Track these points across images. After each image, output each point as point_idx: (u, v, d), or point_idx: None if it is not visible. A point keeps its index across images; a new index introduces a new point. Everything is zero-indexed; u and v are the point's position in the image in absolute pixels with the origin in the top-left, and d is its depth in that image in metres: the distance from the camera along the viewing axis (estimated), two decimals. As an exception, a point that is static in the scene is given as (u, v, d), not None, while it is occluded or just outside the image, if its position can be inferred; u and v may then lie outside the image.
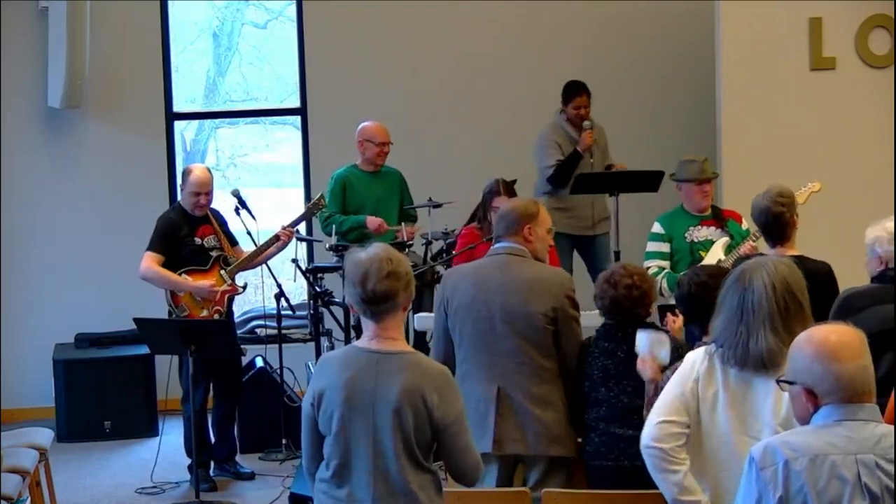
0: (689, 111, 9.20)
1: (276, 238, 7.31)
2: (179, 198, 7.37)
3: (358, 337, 7.23)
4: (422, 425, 3.63)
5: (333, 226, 7.64)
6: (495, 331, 4.84)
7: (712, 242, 6.65)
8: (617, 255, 7.69)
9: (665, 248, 6.77)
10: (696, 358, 3.83)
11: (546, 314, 4.79)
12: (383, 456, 3.64)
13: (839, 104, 8.00)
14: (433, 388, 3.63)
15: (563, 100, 8.24)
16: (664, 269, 6.70)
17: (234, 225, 7.51)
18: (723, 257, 6.50)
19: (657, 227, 6.83)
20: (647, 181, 7.80)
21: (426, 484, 3.69)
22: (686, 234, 6.71)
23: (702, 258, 6.61)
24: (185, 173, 7.27)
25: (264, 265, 7.52)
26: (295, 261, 7.78)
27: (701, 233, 6.69)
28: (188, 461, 7.20)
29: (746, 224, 6.56)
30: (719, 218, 6.73)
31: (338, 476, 3.71)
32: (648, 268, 6.83)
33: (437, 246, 7.86)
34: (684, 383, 3.79)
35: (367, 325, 3.75)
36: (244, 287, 7.34)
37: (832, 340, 2.98)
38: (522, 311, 4.80)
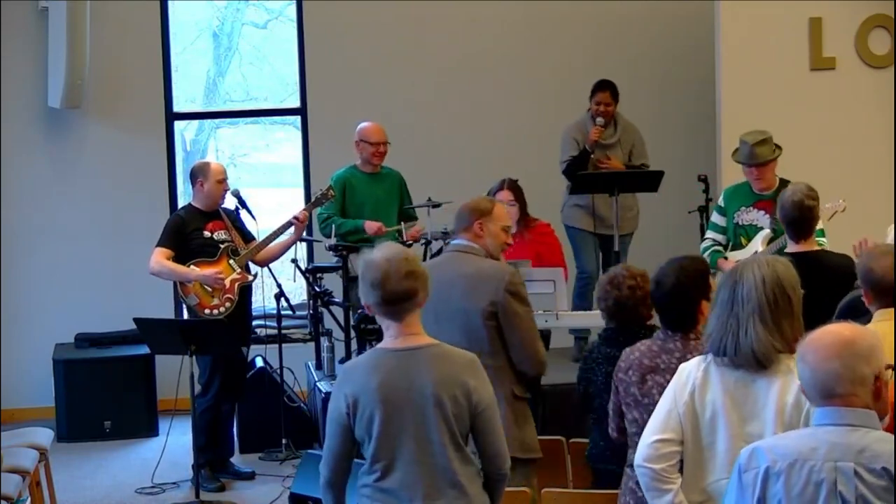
0: (689, 111, 9.20)
1: (290, 223, 7.30)
2: (191, 197, 7.37)
3: (358, 337, 7.32)
4: (461, 412, 3.65)
5: (332, 227, 7.63)
6: (440, 326, 4.75)
7: (755, 228, 6.59)
8: (617, 255, 7.69)
9: (722, 221, 6.77)
10: (690, 369, 3.78)
11: (484, 309, 4.75)
12: (430, 452, 3.64)
13: (839, 104, 8.01)
14: (469, 374, 3.67)
15: (590, 96, 8.18)
16: (717, 243, 6.69)
17: (234, 225, 7.51)
18: (760, 249, 6.42)
19: (720, 199, 6.85)
20: (647, 181, 7.78)
21: (473, 476, 3.70)
22: (735, 214, 6.69)
23: (742, 245, 6.58)
24: (204, 167, 7.27)
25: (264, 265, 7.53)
26: (295, 261, 7.78)
27: (748, 216, 6.64)
28: (192, 461, 7.20)
29: None
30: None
31: (385, 478, 3.68)
32: (706, 239, 6.84)
33: (436, 246, 7.85)
34: (679, 398, 3.75)
35: (389, 325, 3.73)
36: (254, 276, 7.34)
37: (812, 339, 2.98)
38: (459, 306, 4.77)
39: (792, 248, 5.55)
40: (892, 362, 3.03)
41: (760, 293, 3.62)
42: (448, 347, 3.78)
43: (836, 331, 2.99)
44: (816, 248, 5.58)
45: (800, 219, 5.52)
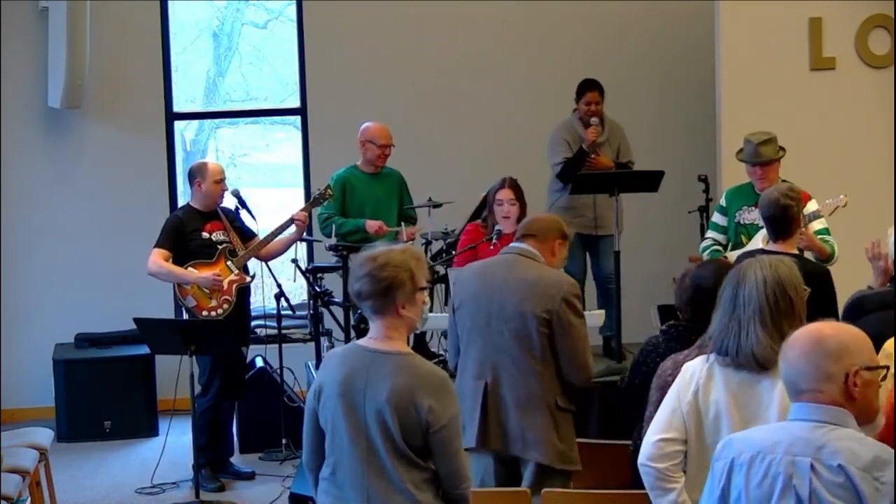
0: (689, 111, 9.20)
1: (290, 222, 7.31)
2: (190, 197, 7.38)
3: (358, 336, 7.32)
4: (411, 428, 3.59)
5: (333, 226, 7.63)
6: (491, 327, 4.86)
7: (756, 227, 6.60)
8: (617, 255, 7.68)
9: (723, 221, 6.78)
10: (694, 368, 3.79)
11: (540, 315, 4.78)
12: (377, 454, 3.62)
13: (839, 104, 8.00)
14: (426, 392, 3.60)
15: (576, 97, 8.18)
16: (717, 242, 6.70)
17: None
18: (761, 247, 6.43)
19: (722, 199, 6.87)
20: (647, 181, 7.77)
21: (421, 482, 3.65)
22: (737, 214, 6.70)
23: (743, 244, 6.59)
24: (202, 167, 7.28)
25: (265, 264, 7.52)
26: (295, 261, 7.78)
27: (750, 215, 6.64)
28: (192, 461, 7.20)
29: (816, 206, 6.48)
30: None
31: (336, 474, 3.70)
32: (706, 238, 6.86)
33: (437, 246, 7.85)
34: (683, 397, 3.75)
35: (370, 324, 3.76)
36: (252, 277, 7.35)
37: (792, 337, 3.00)
38: (517, 309, 4.81)
39: (771, 247, 5.56)
40: (886, 364, 3.02)
41: (761, 295, 3.62)
42: (419, 361, 3.71)
43: (814, 329, 3.00)
44: (795, 251, 5.58)
45: (773, 216, 5.52)
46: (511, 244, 5.09)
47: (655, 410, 4.27)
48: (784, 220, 5.52)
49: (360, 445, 3.64)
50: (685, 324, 4.73)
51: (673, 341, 4.73)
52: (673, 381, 4.16)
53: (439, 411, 3.59)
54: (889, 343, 3.77)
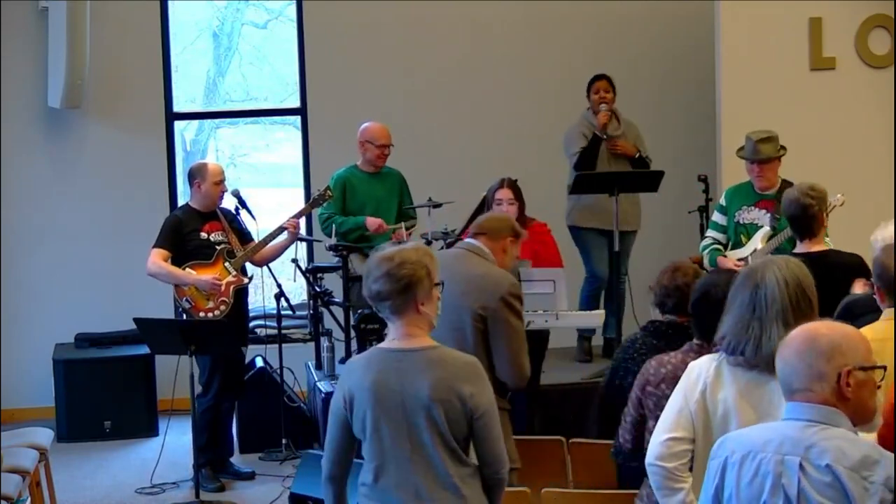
0: (689, 111, 9.20)
1: (281, 229, 7.33)
2: (189, 197, 7.38)
3: (358, 336, 7.33)
4: (457, 418, 3.62)
5: (333, 226, 7.63)
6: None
7: (756, 227, 6.59)
8: (617, 255, 7.67)
9: (723, 220, 6.78)
10: (701, 367, 3.77)
11: (476, 311, 4.81)
12: (422, 453, 3.63)
13: (839, 104, 8.01)
14: (464, 380, 3.64)
15: (587, 93, 8.14)
16: (717, 241, 6.70)
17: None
18: (760, 247, 6.44)
19: (722, 198, 6.86)
20: (647, 181, 7.76)
21: (467, 478, 3.67)
22: (737, 213, 6.70)
23: (742, 243, 6.59)
24: (202, 168, 7.29)
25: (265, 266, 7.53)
26: (295, 261, 7.78)
27: (750, 214, 6.65)
28: (192, 461, 7.20)
29: None
30: (781, 199, 6.63)
31: (379, 478, 3.69)
32: (706, 238, 6.85)
33: (437, 246, 7.85)
34: (690, 396, 3.74)
35: (390, 324, 3.75)
36: (250, 278, 7.35)
37: (788, 336, 3.00)
38: (456, 302, 4.80)
39: (798, 248, 5.56)
40: (878, 363, 3.00)
41: (784, 296, 3.59)
42: (446, 351, 3.74)
43: (809, 328, 3.00)
44: (822, 247, 5.56)
45: (794, 216, 5.53)
46: (464, 240, 5.16)
47: (635, 410, 4.29)
48: (804, 218, 5.49)
49: (403, 446, 3.64)
50: (664, 321, 4.73)
51: (650, 337, 4.74)
52: (655, 380, 4.18)
53: (479, 397, 3.65)
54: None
